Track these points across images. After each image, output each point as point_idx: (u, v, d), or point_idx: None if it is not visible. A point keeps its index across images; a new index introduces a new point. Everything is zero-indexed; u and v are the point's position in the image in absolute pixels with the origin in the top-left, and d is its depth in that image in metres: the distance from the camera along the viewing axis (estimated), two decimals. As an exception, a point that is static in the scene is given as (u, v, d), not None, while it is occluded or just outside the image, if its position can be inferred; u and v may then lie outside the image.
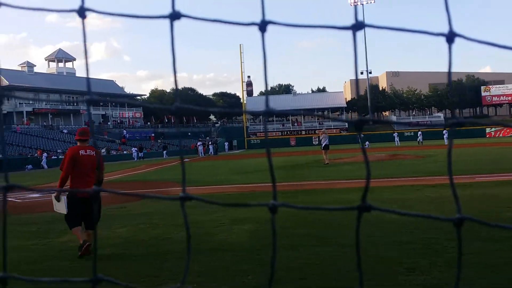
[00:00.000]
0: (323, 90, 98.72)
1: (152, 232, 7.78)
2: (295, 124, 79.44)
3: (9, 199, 14.38)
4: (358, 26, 0.80)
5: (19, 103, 60.25)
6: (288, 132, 75.49)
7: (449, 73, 0.86)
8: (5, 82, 60.09)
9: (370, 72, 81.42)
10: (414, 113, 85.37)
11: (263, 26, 0.84)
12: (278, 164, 23.02)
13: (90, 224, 6.30)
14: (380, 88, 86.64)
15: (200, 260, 5.62)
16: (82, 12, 0.89)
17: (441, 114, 77.45)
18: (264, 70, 0.87)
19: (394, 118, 79.31)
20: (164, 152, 51.50)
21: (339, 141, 58.07)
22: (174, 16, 0.85)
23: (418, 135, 51.18)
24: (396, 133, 53.71)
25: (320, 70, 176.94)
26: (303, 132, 74.65)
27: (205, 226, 7.83)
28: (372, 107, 78.18)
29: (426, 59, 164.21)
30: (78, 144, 6.56)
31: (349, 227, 5.79)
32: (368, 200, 0.83)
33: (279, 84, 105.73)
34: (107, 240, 7.10)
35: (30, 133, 53.37)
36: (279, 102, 74.55)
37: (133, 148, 51.15)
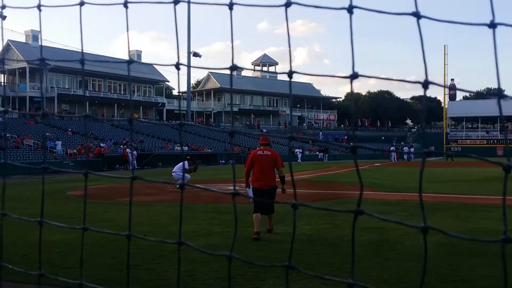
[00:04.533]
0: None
1: (335, 232, 7.92)
2: (503, 131, 70.78)
3: (212, 189, 16.15)
4: None
5: (227, 104, 66.88)
6: (495, 141, 67.81)
7: None
8: (217, 85, 67.37)
9: None
10: None
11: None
12: (479, 175, 20.89)
13: (269, 211, 7.87)
14: None
15: (385, 266, 5.51)
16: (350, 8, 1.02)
17: None
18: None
19: None
20: (323, 155, 50.28)
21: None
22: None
23: None
24: None
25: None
26: (515, 142, 66.12)
27: (391, 233, 7.68)
28: None
29: None
30: (261, 147, 8.01)
31: None
32: None
33: (488, 88, 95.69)
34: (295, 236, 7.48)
35: (236, 131, 58.87)
36: (486, 107, 67.45)
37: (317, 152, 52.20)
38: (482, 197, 12.99)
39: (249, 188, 7.93)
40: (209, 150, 45.53)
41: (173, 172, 16.80)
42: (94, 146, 35.16)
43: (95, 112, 52.69)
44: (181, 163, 16.50)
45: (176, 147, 41.72)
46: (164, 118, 59.91)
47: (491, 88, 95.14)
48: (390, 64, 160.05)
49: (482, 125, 73.72)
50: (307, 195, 13.40)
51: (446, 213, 9.96)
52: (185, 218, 9.59)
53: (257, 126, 67.91)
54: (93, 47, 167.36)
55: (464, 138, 70.34)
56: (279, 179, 7.85)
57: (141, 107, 56.84)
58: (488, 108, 66.81)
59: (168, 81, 64.11)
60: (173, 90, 74.24)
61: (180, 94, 64.77)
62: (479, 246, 6.47)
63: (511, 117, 71.13)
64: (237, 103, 69.08)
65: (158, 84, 63.09)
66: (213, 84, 68.90)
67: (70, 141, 37.00)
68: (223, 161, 43.37)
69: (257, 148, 8.16)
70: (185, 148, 42.39)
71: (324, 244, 7.00)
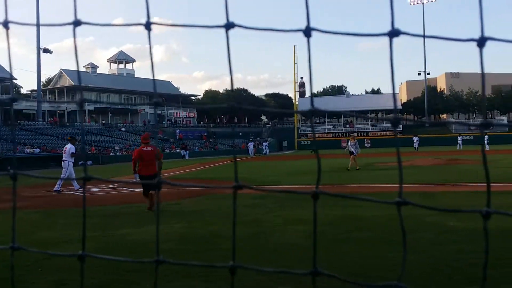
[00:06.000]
0: (377, 92, 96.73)
1: (207, 228, 8.03)
2: (347, 125, 78.40)
3: (72, 192, 15.20)
4: (394, 33, 0.88)
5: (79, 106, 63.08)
6: (340, 134, 74.58)
7: (482, 75, 0.93)
8: (70, 83, 63.10)
9: (428, 73, 79.17)
10: (474, 116, 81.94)
11: (307, 32, 0.94)
12: (327, 168, 22.87)
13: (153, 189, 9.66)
14: (438, 90, 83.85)
15: (258, 259, 5.76)
16: (148, 25, 1.03)
17: (504, 118, 73.89)
18: (309, 70, 0.97)
19: (452, 121, 76.52)
20: (185, 152, 50.55)
21: (391, 144, 56.29)
22: (229, 25, 0.97)
23: (458, 139, 49.13)
24: (461, 136, 51.38)
25: (375, 72, 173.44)
26: (355, 134, 73.46)
27: (263, 225, 8.04)
28: (429, 109, 75.83)
29: (489, 60, 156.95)
30: (144, 144, 10.70)
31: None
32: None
33: (332, 85, 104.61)
34: (164, 235, 7.43)
35: (90, 131, 55.75)
36: (331, 103, 73.76)
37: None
38: (343, 186, 14.19)
39: (136, 174, 10.50)
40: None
41: (63, 160, 15.69)
42: None
43: None
44: (68, 148, 15.62)
45: (26, 149, 38.15)
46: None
47: (335, 85, 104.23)
48: (248, 63, 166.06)
49: (328, 119, 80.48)
50: (175, 192, 13.35)
51: (320, 202, 10.70)
52: (46, 224, 8.93)
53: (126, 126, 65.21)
54: None
55: (312, 132, 75.70)
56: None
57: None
58: (334, 104, 73.09)
59: (15, 79, 58.22)
60: (21, 89, 67.84)
61: (30, 92, 59.42)
62: (347, 233, 7.17)
63: (352, 112, 78.83)
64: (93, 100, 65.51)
65: (4, 82, 57.05)
66: (66, 81, 64.45)
67: None
68: (90, 162, 40.81)
69: (142, 145, 10.75)
70: (37, 150, 39.02)
71: (198, 242, 7.08)
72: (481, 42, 0.87)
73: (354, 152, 21.50)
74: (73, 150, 15.89)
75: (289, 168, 24.92)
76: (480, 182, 13.00)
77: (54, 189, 15.46)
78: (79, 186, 15.39)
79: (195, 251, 6.48)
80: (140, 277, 5.13)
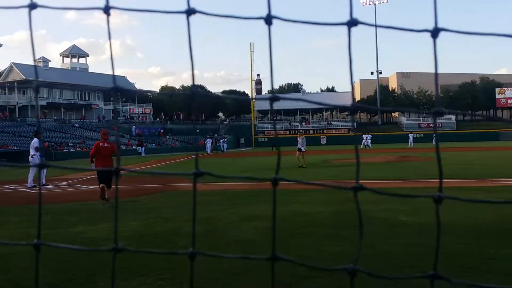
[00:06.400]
0: (332, 90, 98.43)
1: (164, 226, 7.93)
2: (303, 123, 79.36)
3: (24, 189, 14.64)
4: (352, 22, 0.90)
5: (33, 97, 60.80)
6: (296, 131, 75.41)
7: (435, 67, 0.96)
8: (21, 77, 60.69)
9: (381, 73, 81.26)
10: (424, 114, 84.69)
11: (268, 19, 0.95)
12: (282, 165, 23.09)
13: (107, 184, 10.75)
14: (390, 89, 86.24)
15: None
16: (107, 10, 1.01)
17: (452, 116, 76.84)
18: (270, 61, 0.98)
19: (404, 119, 78.89)
20: (141, 149, 50.21)
21: (346, 141, 57.51)
22: (190, 11, 0.96)
23: (410, 137, 51.01)
24: (411, 134, 53.26)
25: (329, 70, 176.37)
26: (311, 132, 74.55)
27: (218, 223, 8.02)
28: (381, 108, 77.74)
29: (438, 60, 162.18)
30: (102, 140, 11.33)
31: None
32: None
33: (288, 83, 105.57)
34: (120, 233, 7.26)
35: (43, 126, 53.87)
36: (288, 101, 74.41)
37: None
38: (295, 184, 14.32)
39: (93, 164, 11.13)
40: (15, 148, 40.94)
41: (32, 155, 15.11)
42: None
43: None
44: (33, 141, 15.20)
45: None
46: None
47: (291, 83, 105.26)
48: (205, 60, 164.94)
49: (285, 117, 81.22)
50: (131, 190, 13.12)
51: (264, 199, 10.76)
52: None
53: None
54: None
55: (269, 129, 76.49)
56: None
57: None
58: (290, 101, 73.64)
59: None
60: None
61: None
62: (298, 228, 7.27)
63: (308, 110, 79.87)
64: (45, 96, 63.36)
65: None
66: (17, 75, 61.94)
67: None
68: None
69: (99, 140, 11.47)
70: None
71: (154, 239, 6.99)
72: (435, 32, 0.91)
73: (302, 148, 21.65)
74: (36, 144, 15.43)
75: (248, 165, 24.97)
76: (430, 178, 13.52)
77: (28, 185, 15.10)
78: (33, 184, 14.99)
79: (153, 247, 6.40)
80: (96, 276, 5.01)
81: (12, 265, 5.33)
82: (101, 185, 10.70)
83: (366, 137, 47.66)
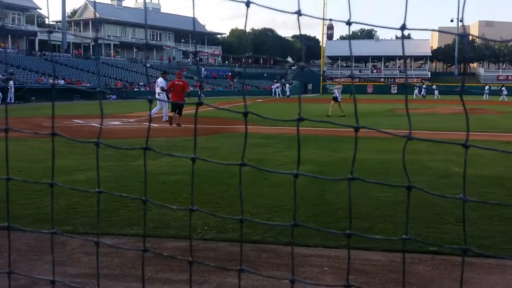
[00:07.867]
0: (408, 37, 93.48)
1: (215, 164, 8.27)
2: (374, 71, 76.73)
3: (93, 124, 15.65)
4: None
5: (107, 36, 62.99)
6: (365, 79, 73.23)
7: None
8: (96, 15, 62.77)
9: (461, 21, 75.84)
10: (504, 66, 78.89)
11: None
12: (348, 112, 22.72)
13: (180, 113, 14.88)
14: (470, 38, 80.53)
15: (262, 193, 6.01)
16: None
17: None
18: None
19: (481, 70, 74.03)
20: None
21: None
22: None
23: (502, 90, 47.95)
24: (487, 86, 50.39)
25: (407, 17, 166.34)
26: (382, 80, 72.01)
27: (268, 164, 8.27)
28: (459, 58, 73.38)
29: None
30: (178, 79, 15.82)
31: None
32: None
33: (362, 29, 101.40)
34: (175, 168, 7.77)
35: (116, 65, 56.05)
36: (359, 47, 71.91)
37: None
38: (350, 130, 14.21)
39: (165, 93, 15.61)
40: (88, 84, 43.12)
41: (158, 93, 16.04)
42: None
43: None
44: (159, 80, 16.34)
45: (51, 80, 38.86)
46: (37, 49, 54.95)
47: (364, 29, 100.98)
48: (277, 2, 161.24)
49: (355, 64, 78.80)
50: (190, 129, 13.65)
51: (318, 144, 10.86)
52: (63, 152, 9.31)
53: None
54: None
55: (339, 76, 74.72)
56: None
57: (9, 36, 51.37)
58: (361, 48, 71.30)
59: (40, 8, 58.06)
60: (46, 19, 67.78)
61: (54, 23, 59.42)
62: (346, 174, 7.34)
63: (380, 57, 76.91)
64: (118, 35, 65.43)
65: (29, 12, 57.09)
66: (91, 14, 64.11)
67: None
68: (115, 96, 41.55)
69: (175, 79, 15.90)
70: (61, 82, 39.69)
71: (204, 176, 7.32)
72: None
73: (338, 97, 20.86)
74: (162, 84, 16.07)
75: (311, 111, 24.83)
76: (499, 131, 12.89)
77: (164, 119, 16.23)
78: (167, 118, 16.01)
79: (199, 183, 6.73)
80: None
81: (73, 192, 5.85)
82: (173, 113, 14.57)
83: (424, 88, 48.11)
